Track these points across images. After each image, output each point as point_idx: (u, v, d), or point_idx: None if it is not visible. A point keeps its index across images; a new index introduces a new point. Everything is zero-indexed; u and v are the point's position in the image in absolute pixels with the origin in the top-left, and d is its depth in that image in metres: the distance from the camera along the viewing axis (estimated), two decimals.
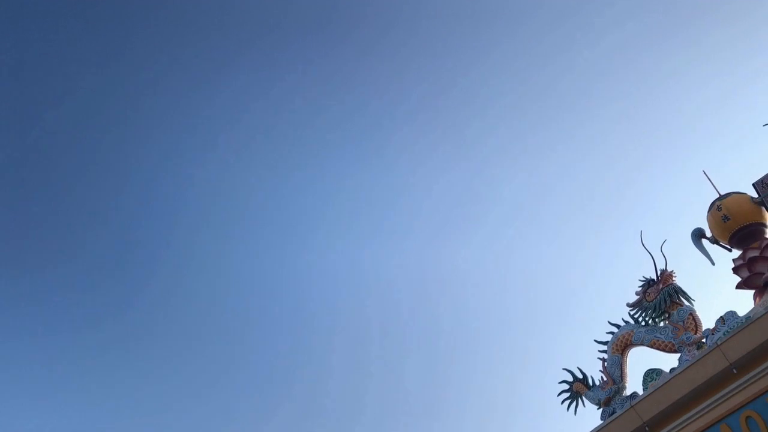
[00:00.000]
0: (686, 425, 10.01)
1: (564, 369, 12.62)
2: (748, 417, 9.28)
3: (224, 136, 32.56)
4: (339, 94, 31.53)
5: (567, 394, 12.50)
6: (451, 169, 31.78)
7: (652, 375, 11.10)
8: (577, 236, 31.49)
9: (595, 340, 12.36)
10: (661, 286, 11.61)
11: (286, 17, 30.79)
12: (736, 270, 11.05)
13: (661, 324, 11.52)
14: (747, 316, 9.97)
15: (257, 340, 34.53)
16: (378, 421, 33.20)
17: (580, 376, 12.40)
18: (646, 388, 11.04)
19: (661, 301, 11.44)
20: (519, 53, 30.42)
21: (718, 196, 11.78)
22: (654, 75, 28.50)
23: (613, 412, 11.33)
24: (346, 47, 30.88)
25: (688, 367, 10.26)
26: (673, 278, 11.64)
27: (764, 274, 10.50)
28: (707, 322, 10.83)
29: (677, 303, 11.35)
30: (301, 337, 34.30)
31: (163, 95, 31.93)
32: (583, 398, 12.23)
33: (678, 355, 10.88)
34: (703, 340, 10.58)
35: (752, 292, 10.93)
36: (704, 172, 12.30)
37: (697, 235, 11.88)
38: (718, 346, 9.88)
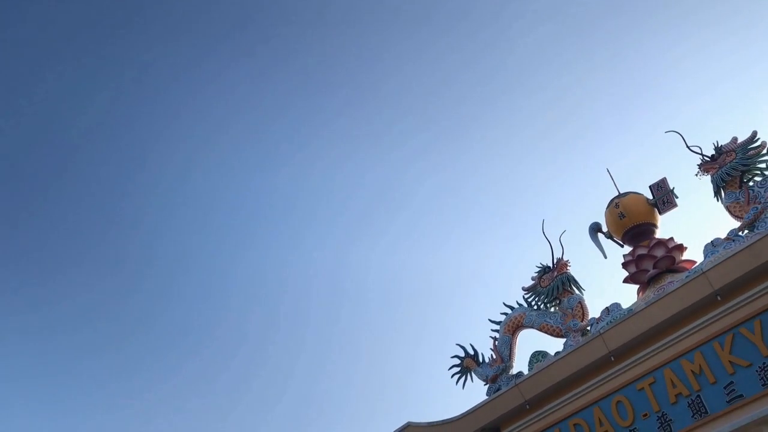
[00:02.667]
0: (563, 406, 10.64)
1: (457, 344, 13.09)
2: (618, 402, 9.98)
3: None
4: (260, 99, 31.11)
5: (458, 369, 12.97)
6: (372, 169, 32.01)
7: (538, 357, 11.70)
8: (488, 223, 32.42)
9: (490, 320, 12.86)
10: (555, 273, 12.16)
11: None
12: (625, 265, 11.73)
13: (552, 309, 12.10)
14: (629, 309, 10.66)
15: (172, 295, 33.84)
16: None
17: (472, 352, 12.88)
18: (531, 368, 11.63)
19: (554, 287, 12.00)
20: (440, 58, 31.02)
21: (617, 194, 12.41)
22: (567, 76, 29.48)
23: (499, 389, 11.88)
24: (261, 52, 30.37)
25: (571, 352, 10.88)
26: (568, 267, 12.21)
27: (649, 271, 11.20)
28: (594, 311, 11.48)
29: (569, 291, 11.92)
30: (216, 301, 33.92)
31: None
32: (473, 374, 12.72)
33: (564, 340, 11.48)
34: (588, 328, 11.21)
35: (637, 287, 11.65)
36: (608, 170, 12.94)
37: (594, 229, 12.49)
38: (600, 334, 10.52)
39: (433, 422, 12.39)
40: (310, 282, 34.32)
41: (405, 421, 12.64)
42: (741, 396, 8.70)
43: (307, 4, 30.85)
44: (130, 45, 30.99)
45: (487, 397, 11.98)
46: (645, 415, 9.60)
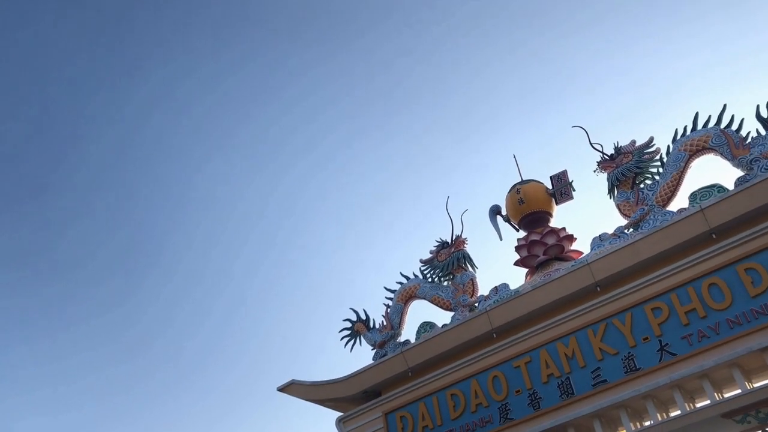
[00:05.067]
0: (444, 376, 11.06)
1: (350, 309, 13.29)
2: (495, 377, 10.48)
3: None
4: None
5: (348, 332, 13.17)
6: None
7: (425, 327, 12.06)
8: (396, 196, 32.85)
9: (385, 287, 13.11)
10: (452, 249, 12.50)
11: None
12: (517, 249, 12.21)
13: (445, 283, 12.46)
14: (516, 291, 11.15)
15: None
16: None
17: (364, 317, 13.11)
18: (418, 338, 11.98)
19: (449, 263, 12.35)
20: (354, 61, 31.13)
21: (520, 180, 12.85)
22: (498, 65, 30.07)
23: (385, 355, 12.18)
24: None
25: (457, 325, 11.30)
26: (465, 245, 12.58)
27: (539, 257, 11.72)
28: (484, 289, 11.92)
29: (463, 267, 12.29)
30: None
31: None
32: (362, 338, 12.96)
33: (452, 313, 11.88)
34: (476, 305, 11.63)
35: (526, 270, 12.18)
36: (514, 157, 13.37)
37: (494, 212, 12.89)
38: (486, 311, 10.98)
39: (316, 381, 12.57)
40: (209, 236, 33.59)
41: (290, 379, 12.77)
42: (605, 381, 9.35)
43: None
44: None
45: (372, 362, 12.26)
46: (518, 391, 10.14)
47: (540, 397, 9.87)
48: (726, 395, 8.99)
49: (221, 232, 33.50)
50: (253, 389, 33.34)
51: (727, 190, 9.52)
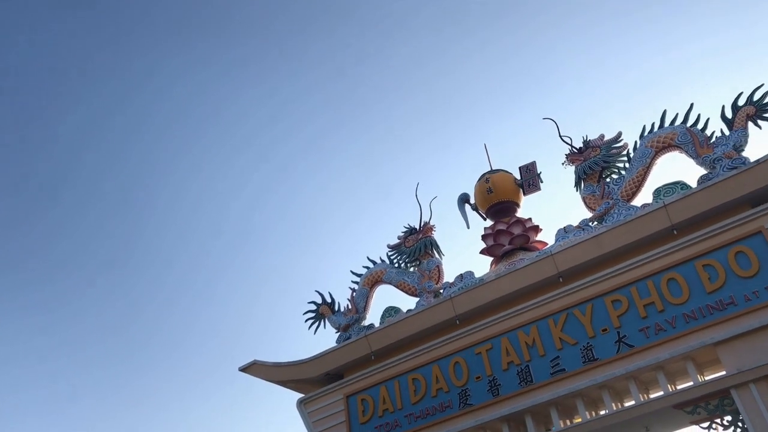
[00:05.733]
0: (406, 360, 11.15)
1: (316, 291, 13.29)
2: (456, 362, 10.61)
3: None
4: None
5: (313, 315, 13.17)
6: None
7: (390, 312, 12.12)
8: (369, 181, 32.79)
9: (352, 271, 13.12)
10: (420, 236, 12.56)
11: None
12: (484, 237, 12.31)
13: (411, 269, 12.53)
14: (481, 279, 11.26)
15: None
16: None
17: (329, 300, 13.12)
18: (383, 322, 12.05)
19: (416, 249, 12.41)
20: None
21: (490, 169, 12.92)
22: (477, 57, 30.12)
23: (348, 338, 12.22)
24: None
25: (422, 311, 11.38)
26: (433, 232, 12.64)
27: (504, 246, 11.84)
28: (449, 276, 12.00)
29: (429, 254, 12.37)
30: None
31: None
32: (326, 321, 12.97)
33: (417, 299, 11.95)
34: (441, 291, 11.72)
35: (491, 259, 12.29)
36: (485, 146, 13.44)
37: (463, 200, 12.95)
38: (450, 298, 11.07)
39: (279, 362, 12.57)
40: (175, 214, 33.20)
41: (252, 359, 12.75)
42: (563, 370, 9.52)
43: None
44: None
45: (336, 345, 12.30)
46: (478, 377, 10.28)
47: (499, 384, 10.02)
48: (679, 387, 9.24)
49: (194, 214, 33.16)
50: (217, 369, 33.20)
51: (690, 187, 9.72)
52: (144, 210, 32.97)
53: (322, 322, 13.07)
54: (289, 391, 12.90)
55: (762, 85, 9.72)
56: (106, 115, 31.87)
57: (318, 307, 13.16)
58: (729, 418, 8.39)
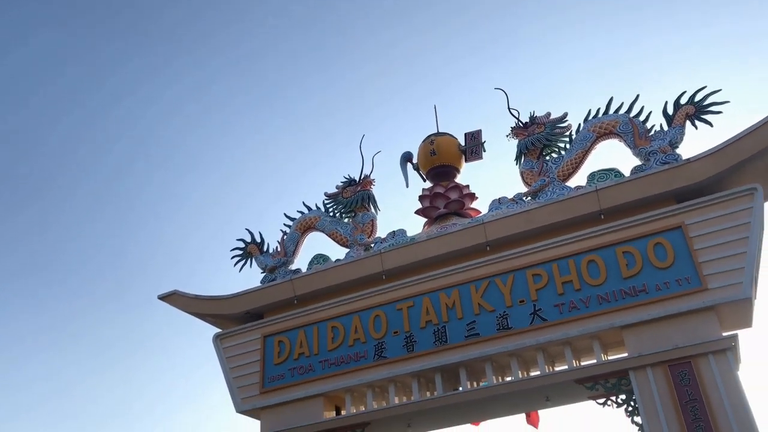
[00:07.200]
0: (328, 308, 11.26)
1: (246, 229, 13.17)
2: (377, 316, 10.79)
3: None
4: None
5: (240, 252, 13.07)
6: None
7: (318, 259, 12.16)
8: (317, 129, 32.37)
9: (285, 214, 13.04)
10: (359, 188, 12.55)
11: None
12: (421, 198, 12.41)
13: (346, 220, 12.54)
14: (412, 238, 11.39)
15: None
16: None
17: (259, 240, 13.03)
18: (310, 268, 12.08)
19: (353, 201, 12.42)
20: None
21: (436, 132, 12.96)
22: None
23: (274, 280, 12.22)
24: None
25: (350, 262, 11.47)
26: (372, 186, 12.65)
27: (439, 209, 11.98)
28: (382, 231, 12.09)
29: (365, 207, 12.39)
30: None
31: None
32: (253, 260, 12.90)
33: (348, 250, 12.02)
34: (372, 245, 11.81)
35: (425, 220, 12.42)
36: (434, 108, 13.43)
37: (405, 158, 12.98)
38: (380, 253, 11.19)
39: (200, 295, 12.48)
40: (110, 135, 31.95)
41: (173, 289, 12.61)
42: (478, 334, 9.84)
43: None
44: None
45: (260, 285, 12.28)
46: (396, 332, 10.49)
47: (415, 341, 10.27)
48: (583, 363, 9.70)
49: (123, 133, 31.99)
50: (135, 294, 32.67)
51: (624, 176, 10.03)
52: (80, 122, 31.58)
53: (248, 261, 12.98)
54: (206, 325, 12.86)
55: (705, 87, 10.06)
56: None
57: (246, 246, 13.06)
58: (623, 396, 8.87)
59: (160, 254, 32.93)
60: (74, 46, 30.67)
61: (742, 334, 8.86)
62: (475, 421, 11.31)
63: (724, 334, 8.57)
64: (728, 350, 8.33)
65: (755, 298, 8.81)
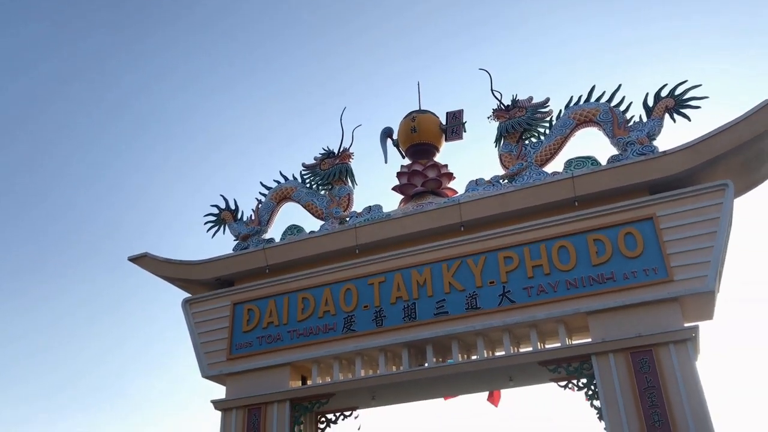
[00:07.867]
0: (300, 279, 11.28)
1: (221, 195, 13.05)
2: (348, 289, 10.83)
3: None
4: None
5: (213, 218, 12.97)
6: None
7: (293, 230, 12.12)
8: (299, 99, 32.04)
9: (261, 183, 12.95)
10: (337, 161, 12.49)
11: None
12: (399, 175, 12.41)
13: (322, 192, 12.47)
14: (387, 214, 11.41)
15: None
16: None
17: (233, 207, 12.93)
18: (284, 239, 12.05)
19: (331, 173, 12.36)
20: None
21: (418, 109, 12.93)
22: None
23: (246, 248, 12.17)
24: None
25: (324, 235, 11.48)
26: (350, 159, 12.59)
27: (416, 187, 12.00)
28: (358, 206, 12.08)
29: (343, 181, 12.34)
30: None
31: None
32: (227, 227, 12.81)
33: (323, 222, 11.99)
34: (347, 219, 11.80)
35: (402, 197, 12.44)
36: (418, 84, 13.38)
37: (386, 134, 12.94)
38: (354, 227, 11.20)
39: (171, 259, 12.41)
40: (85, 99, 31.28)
41: (144, 251, 12.51)
42: (446, 312, 9.94)
43: None
44: None
45: (232, 252, 12.23)
46: (366, 306, 10.56)
47: (384, 316, 10.35)
48: (547, 346, 9.85)
49: (101, 96, 31.36)
50: (105, 256, 32.30)
51: (600, 164, 10.12)
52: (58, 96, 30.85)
53: (222, 228, 12.89)
54: (176, 289, 12.81)
55: (686, 81, 10.15)
56: None
57: (220, 212, 12.95)
58: (584, 380, 9.06)
59: (133, 218, 32.58)
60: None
61: (703, 326, 9.09)
62: (442, 396, 11.47)
63: (686, 324, 8.77)
64: (689, 341, 8.54)
65: (718, 291, 9.03)
